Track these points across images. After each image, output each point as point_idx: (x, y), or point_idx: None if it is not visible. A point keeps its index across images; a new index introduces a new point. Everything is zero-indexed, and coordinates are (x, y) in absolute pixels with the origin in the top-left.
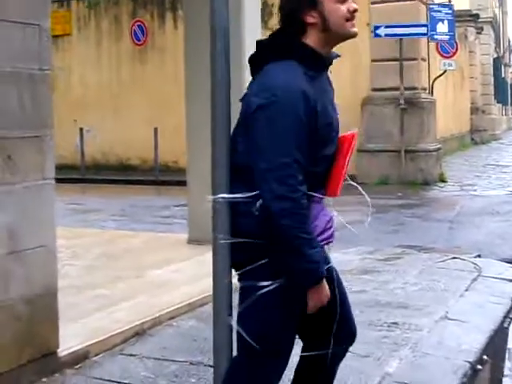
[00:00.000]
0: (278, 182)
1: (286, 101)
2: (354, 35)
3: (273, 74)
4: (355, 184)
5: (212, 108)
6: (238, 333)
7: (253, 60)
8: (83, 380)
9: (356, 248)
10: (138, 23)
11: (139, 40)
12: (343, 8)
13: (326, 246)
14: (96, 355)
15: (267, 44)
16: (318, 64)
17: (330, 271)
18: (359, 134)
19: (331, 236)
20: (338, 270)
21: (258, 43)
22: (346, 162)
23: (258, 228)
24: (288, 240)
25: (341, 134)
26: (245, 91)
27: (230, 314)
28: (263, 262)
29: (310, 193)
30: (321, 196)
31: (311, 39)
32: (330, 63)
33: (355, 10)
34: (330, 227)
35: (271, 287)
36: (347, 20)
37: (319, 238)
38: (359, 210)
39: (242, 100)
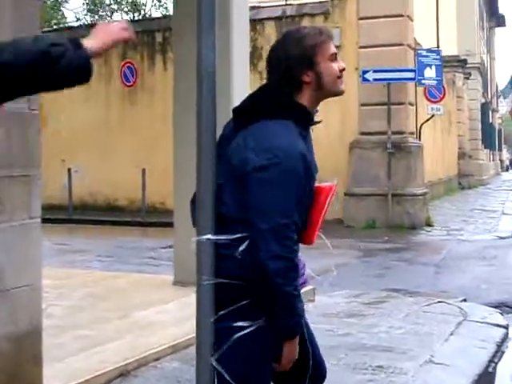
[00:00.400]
0: (277, 243)
1: (288, 163)
2: (342, 92)
3: (273, 134)
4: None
5: (198, 151)
6: (219, 376)
7: (242, 112)
8: None
9: (342, 291)
10: (128, 64)
11: (129, 81)
12: (335, 67)
13: None
14: None
15: (262, 99)
16: (309, 124)
17: None
18: (347, 177)
19: (305, 281)
20: (324, 313)
21: (252, 96)
22: (323, 212)
23: (239, 270)
24: (281, 297)
25: (320, 183)
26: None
27: (213, 355)
28: (244, 303)
29: None
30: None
31: (305, 98)
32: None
33: (344, 69)
34: (303, 273)
35: (252, 328)
36: (338, 78)
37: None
38: (346, 253)
39: (228, 149)
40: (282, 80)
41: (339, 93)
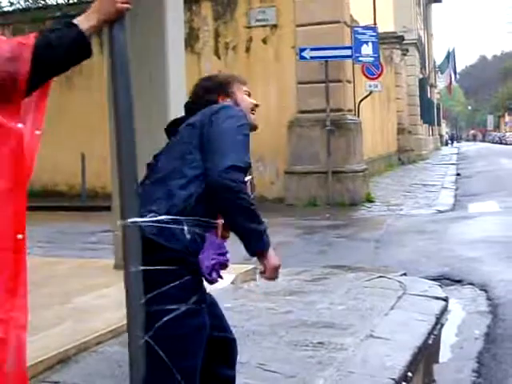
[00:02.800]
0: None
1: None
2: (255, 127)
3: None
4: None
5: (116, 132)
6: (152, 356)
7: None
8: None
9: (284, 269)
10: None
11: None
12: (249, 100)
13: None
14: None
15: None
16: None
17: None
18: (287, 155)
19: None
20: (265, 292)
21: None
22: None
23: (169, 253)
24: (245, 206)
25: None
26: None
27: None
28: (171, 285)
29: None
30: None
31: None
32: None
33: (257, 105)
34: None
35: (181, 310)
36: (252, 110)
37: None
38: (287, 231)
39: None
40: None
41: (252, 127)
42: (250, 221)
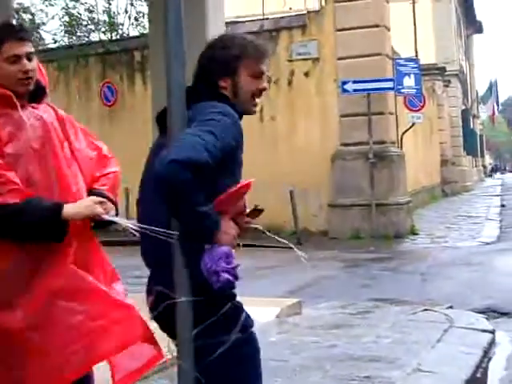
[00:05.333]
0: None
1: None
2: (252, 113)
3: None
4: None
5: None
6: None
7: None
8: None
9: (328, 303)
10: (108, 84)
11: (109, 101)
12: (253, 84)
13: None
14: None
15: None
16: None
17: None
18: (331, 188)
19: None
20: (310, 325)
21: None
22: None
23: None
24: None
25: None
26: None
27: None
28: (213, 319)
29: None
30: None
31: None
32: None
33: (264, 89)
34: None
35: (231, 340)
36: (253, 96)
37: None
38: (332, 264)
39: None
40: (198, 77)
41: (249, 113)
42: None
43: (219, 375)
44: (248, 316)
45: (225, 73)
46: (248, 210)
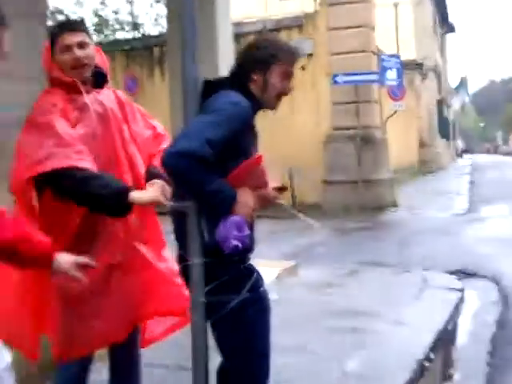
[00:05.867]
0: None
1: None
2: (274, 109)
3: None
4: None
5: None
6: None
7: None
8: None
9: (322, 265)
10: (131, 76)
11: (132, 90)
12: (280, 86)
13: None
14: None
15: (221, 79)
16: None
17: None
18: (323, 167)
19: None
20: (307, 285)
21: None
22: (246, 169)
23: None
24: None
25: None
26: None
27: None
28: (225, 278)
29: None
30: None
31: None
32: None
33: (290, 91)
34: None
35: (241, 298)
36: (278, 97)
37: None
38: (325, 232)
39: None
40: (237, 67)
41: (272, 108)
42: (200, 193)
43: (228, 331)
44: (259, 278)
45: (259, 68)
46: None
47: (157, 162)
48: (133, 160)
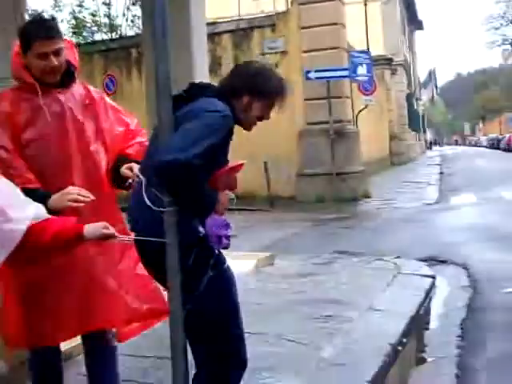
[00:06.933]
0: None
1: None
2: (248, 130)
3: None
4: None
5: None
6: (195, 320)
7: (188, 92)
8: None
9: (297, 255)
10: (109, 76)
11: (110, 90)
12: (257, 116)
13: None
14: None
15: (203, 85)
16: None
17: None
18: (298, 160)
19: (228, 243)
20: (283, 275)
21: (194, 84)
22: (225, 174)
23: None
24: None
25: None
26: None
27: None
28: (190, 263)
29: None
30: None
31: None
32: None
33: (267, 119)
34: (228, 234)
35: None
36: (253, 124)
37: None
38: (300, 224)
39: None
40: (230, 82)
41: (245, 128)
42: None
43: (203, 308)
44: (219, 254)
45: (253, 94)
46: None
47: (131, 151)
48: (93, 157)
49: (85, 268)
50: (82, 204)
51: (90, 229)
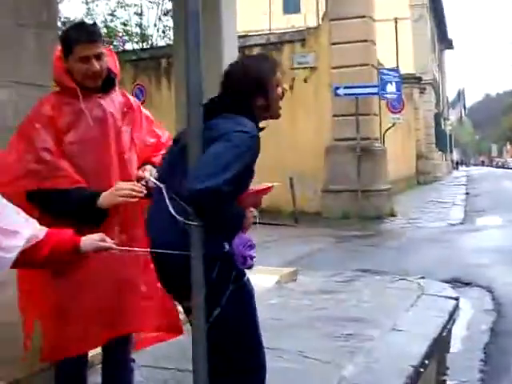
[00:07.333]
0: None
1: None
2: (278, 116)
3: (241, 119)
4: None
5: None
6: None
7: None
8: None
9: (320, 272)
10: (138, 86)
11: (139, 100)
12: (279, 93)
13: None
14: None
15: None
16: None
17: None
18: (324, 176)
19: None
20: (305, 291)
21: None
22: (252, 194)
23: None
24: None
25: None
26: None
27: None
28: (213, 276)
29: None
30: None
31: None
32: None
33: (283, 93)
34: (253, 254)
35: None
36: (280, 100)
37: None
38: (324, 240)
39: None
40: (236, 92)
41: (277, 117)
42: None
43: (225, 321)
44: (239, 268)
45: (261, 91)
46: None
47: (156, 160)
48: (126, 165)
49: (117, 269)
50: (136, 199)
51: (87, 241)
